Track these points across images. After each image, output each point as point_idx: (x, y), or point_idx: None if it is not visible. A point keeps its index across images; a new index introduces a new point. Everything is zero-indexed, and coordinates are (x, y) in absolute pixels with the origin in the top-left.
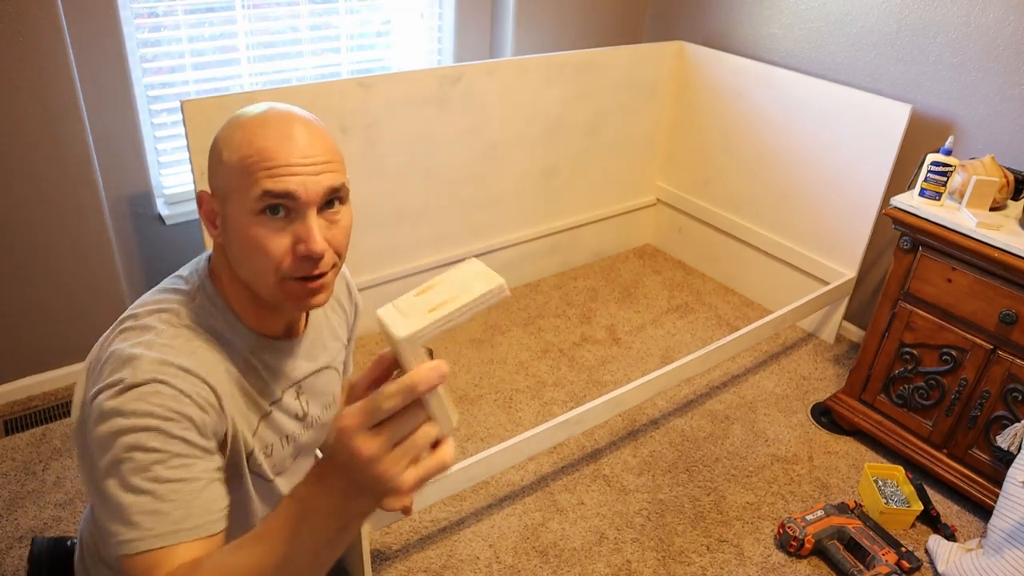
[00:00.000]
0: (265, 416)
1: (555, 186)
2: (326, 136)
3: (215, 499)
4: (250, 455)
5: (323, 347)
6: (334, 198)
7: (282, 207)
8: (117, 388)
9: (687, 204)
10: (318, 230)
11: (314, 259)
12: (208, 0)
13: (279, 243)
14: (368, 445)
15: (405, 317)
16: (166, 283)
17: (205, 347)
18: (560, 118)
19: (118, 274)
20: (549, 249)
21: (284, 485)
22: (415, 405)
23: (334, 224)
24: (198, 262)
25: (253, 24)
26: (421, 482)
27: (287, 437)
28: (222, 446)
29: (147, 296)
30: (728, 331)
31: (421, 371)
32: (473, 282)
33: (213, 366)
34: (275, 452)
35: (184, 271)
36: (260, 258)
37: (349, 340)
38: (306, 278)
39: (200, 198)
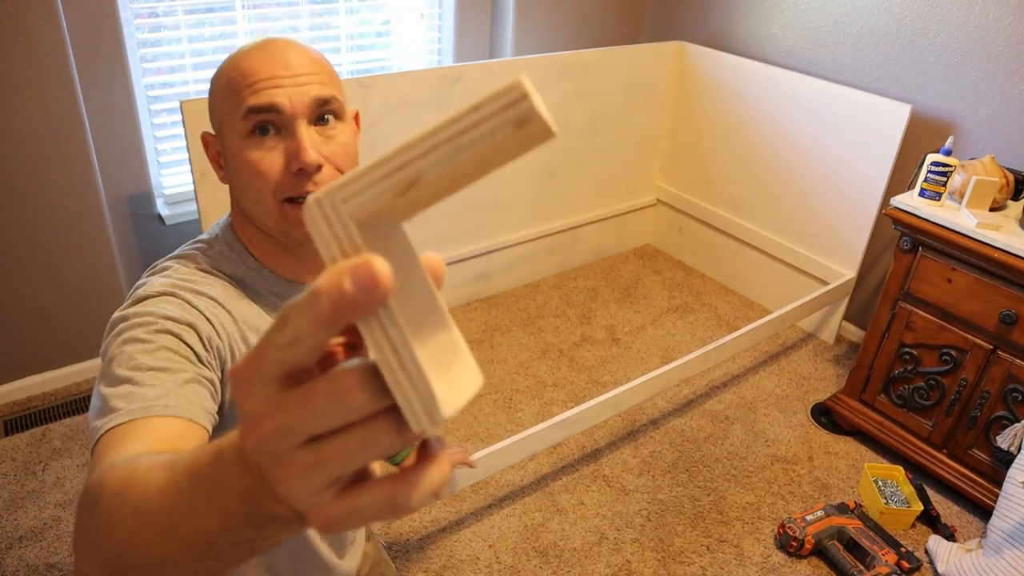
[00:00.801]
0: None
1: (555, 186)
2: (314, 53)
3: (201, 395)
4: None
5: None
6: (327, 113)
7: (271, 125)
8: (129, 301)
9: (687, 204)
10: (310, 142)
11: (308, 172)
12: (208, 0)
13: (272, 161)
14: (259, 420)
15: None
16: (188, 242)
17: (227, 285)
18: (560, 118)
19: (118, 274)
20: (549, 249)
21: None
22: (361, 368)
23: (330, 139)
24: (222, 219)
25: (253, 24)
26: (351, 520)
27: None
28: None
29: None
30: (728, 331)
31: (331, 271)
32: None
33: (236, 300)
34: None
35: (209, 228)
36: (256, 181)
37: None
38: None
39: (204, 140)
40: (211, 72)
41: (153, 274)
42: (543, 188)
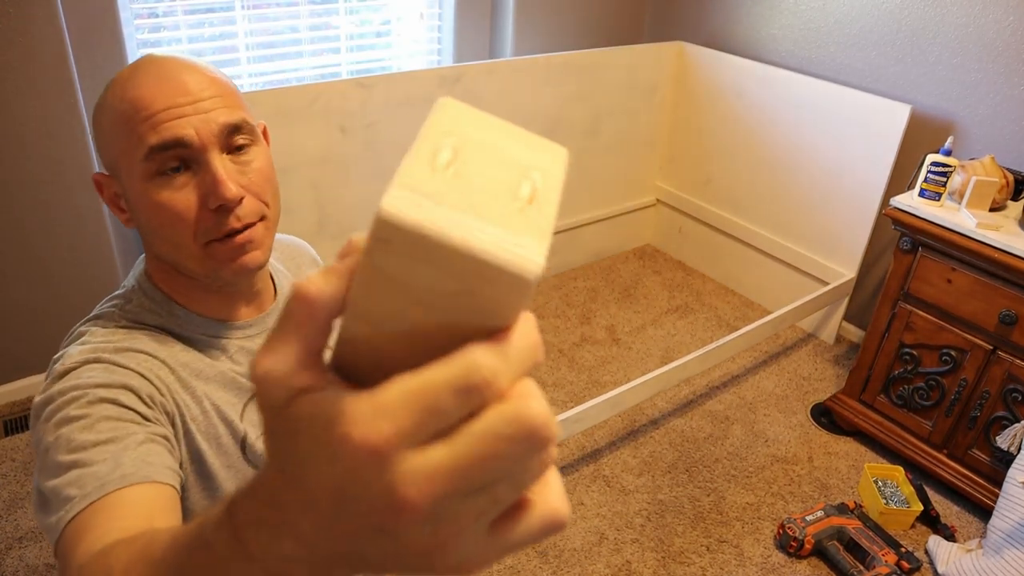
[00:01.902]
0: (252, 398)
1: None
2: (213, 73)
3: (158, 454)
4: (243, 441)
5: None
6: (240, 140)
7: (180, 161)
8: (49, 379)
9: (687, 204)
10: (226, 173)
11: (229, 207)
12: (208, 0)
13: (187, 201)
14: (423, 486)
15: (489, 221)
16: (104, 299)
17: (155, 335)
18: (560, 118)
19: (117, 274)
20: (549, 249)
21: None
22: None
23: (246, 166)
24: (137, 265)
25: (253, 24)
26: (499, 559)
27: None
28: (185, 433)
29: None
30: (728, 331)
31: (532, 330)
32: (512, 146)
33: (169, 348)
34: None
35: (125, 280)
36: (173, 226)
37: None
38: (231, 235)
39: (97, 183)
40: None
41: (70, 343)
42: None
